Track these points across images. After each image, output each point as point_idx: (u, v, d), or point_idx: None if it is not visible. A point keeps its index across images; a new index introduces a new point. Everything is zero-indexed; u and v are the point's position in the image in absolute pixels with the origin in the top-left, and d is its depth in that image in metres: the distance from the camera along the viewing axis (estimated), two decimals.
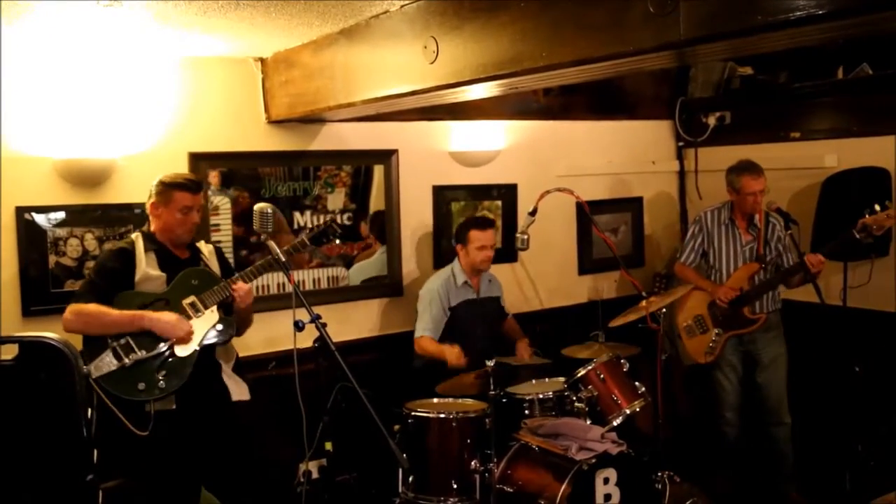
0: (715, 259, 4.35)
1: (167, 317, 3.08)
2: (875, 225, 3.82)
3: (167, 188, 3.21)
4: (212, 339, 3.17)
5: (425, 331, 4.12)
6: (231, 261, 3.80)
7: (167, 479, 3.15)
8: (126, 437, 2.99)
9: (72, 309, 3.06)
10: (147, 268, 3.17)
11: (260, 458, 3.81)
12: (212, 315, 3.17)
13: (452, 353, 3.93)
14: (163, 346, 3.07)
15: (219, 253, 3.50)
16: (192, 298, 3.15)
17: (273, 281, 4.19)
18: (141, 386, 3.04)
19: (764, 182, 4.17)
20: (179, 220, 3.21)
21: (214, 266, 3.36)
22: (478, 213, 4.86)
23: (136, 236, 3.26)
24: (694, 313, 4.33)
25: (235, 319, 3.27)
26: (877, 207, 3.83)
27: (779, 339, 4.32)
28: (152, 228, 3.27)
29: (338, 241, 3.70)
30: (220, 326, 3.18)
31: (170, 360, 3.09)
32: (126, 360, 3.04)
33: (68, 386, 2.26)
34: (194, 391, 3.14)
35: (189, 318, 3.14)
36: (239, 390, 3.34)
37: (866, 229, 3.83)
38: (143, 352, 3.05)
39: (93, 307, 3.04)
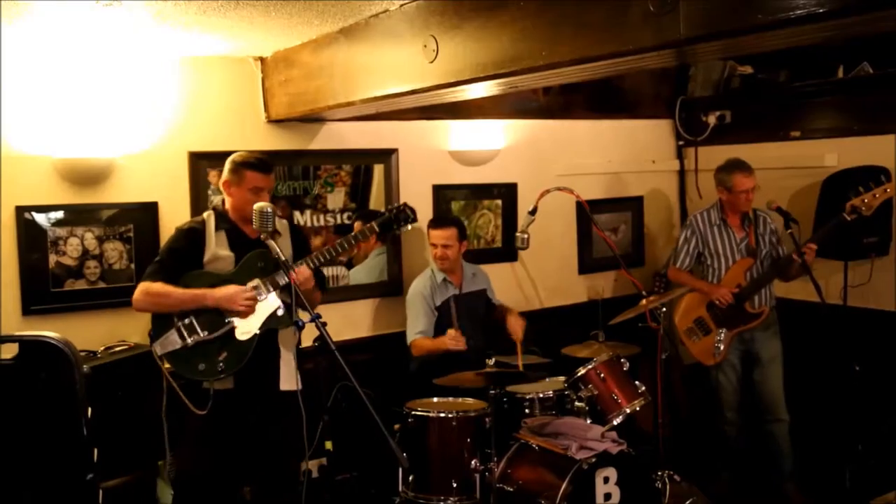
0: (712, 259, 4.35)
1: (225, 291, 3.10)
2: (863, 205, 3.83)
3: (239, 167, 3.23)
4: (273, 323, 3.17)
5: (418, 333, 4.11)
6: None
7: (221, 456, 3.20)
8: (186, 413, 3.09)
9: (141, 288, 3.13)
10: (216, 248, 3.21)
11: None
12: (274, 299, 3.17)
13: (450, 338, 3.91)
14: (225, 328, 3.10)
15: (293, 230, 3.46)
16: (256, 281, 3.16)
17: None
18: (201, 367, 3.09)
19: (755, 179, 4.18)
20: (250, 199, 3.19)
21: (287, 244, 3.34)
22: (477, 213, 4.87)
23: (209, 214, 3.28)
24: (693, 316, 4.33)
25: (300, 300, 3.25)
26: (861, 189, 3.86)
27: (776, 337, 4.33)
28: (226, 206, 3.29)
29: (409, 227, 3.60)
30: (280, 312, 3.17)
31: (230, 342, 3.11)
32: (188, 341, 3.09)
33: (68, 385, 2.26)
34: (252, 374, 3.17)
35: None
36: (289, 379, 3.28)
37: (856, 210, 3.85)
38: (206, 333, 3.09)
39: (159, 286, 3.10)
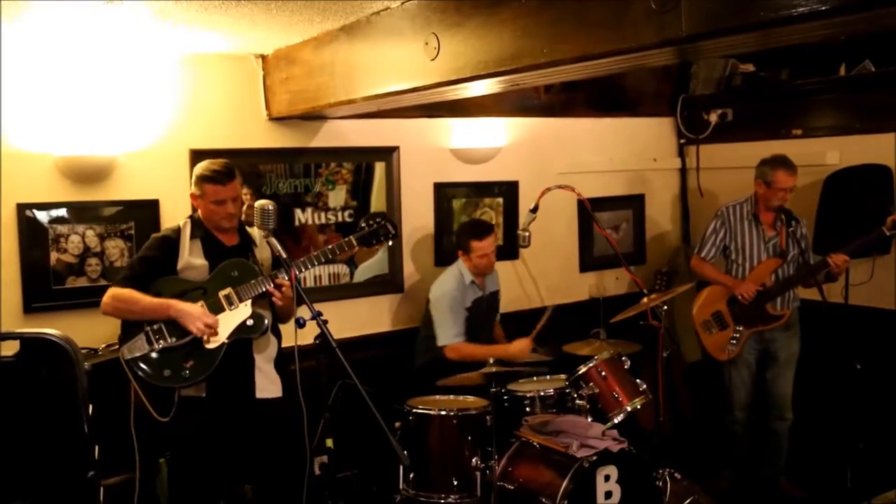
0: (737, 254, 4.30)
1: (191, 308, 3.07)
2: None
3: (199, 180, 3.20)
4: (241, 333, 3.14)
5: (456, 337, 4.05)
6: None
7: (196, 463, 3.18)
8: (156, 421, 3.08)
9: (109, 293, 3.11)
10: (190, 256, 3.18)
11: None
12: (245, 309, 3.14)
13: (521, 348, 3.86)
14: (191, 336, 3.07)
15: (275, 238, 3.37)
16: (228, 290, 3.14)
17: None
18: (167, 373, 3.07)
19: (796, 179, 4.13)
20: (213, 210, 3.19)
21: (266, 252, 3.29)
22: (479, 211, 4.86)
23: (185, 223, 3.26)
24: (712, 309, 4.30)
25: (278, 310, 3.24)
26: None
27: (796, 337, 4.31)
28: (199, 214, 3.28)
29: (390, 243, 3.54)
30: (250, 322, 3.15)
31: (198, 350, 3.09)
32: (156, 346, 3.07)
33: (69, 382, 2.26)
34: (224, 382, 3.15)
35: (223, 309, 3.13)
36: (268, 387, 3.27)
37: None
38: (173, 339, 3.08)
39: (127, 292, 3.08)
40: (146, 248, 3.24)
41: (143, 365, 3.07)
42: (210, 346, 3.09)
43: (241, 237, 3.32)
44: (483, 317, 4.25)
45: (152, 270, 3.15)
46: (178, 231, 3.23)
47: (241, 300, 3.14)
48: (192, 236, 3.22)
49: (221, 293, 3.14)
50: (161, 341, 3.07)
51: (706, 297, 4.34)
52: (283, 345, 3.48)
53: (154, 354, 3.07)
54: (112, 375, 3.34)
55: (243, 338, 3.16)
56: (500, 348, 3.98)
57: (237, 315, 3.14)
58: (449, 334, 4.06)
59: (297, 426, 3.09)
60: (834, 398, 4.32)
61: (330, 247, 3.35)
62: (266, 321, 3.19)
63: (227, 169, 3.21)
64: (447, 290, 4.14)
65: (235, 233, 3.31)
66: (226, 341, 3.11)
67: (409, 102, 3.54)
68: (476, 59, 2.54)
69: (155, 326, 3.08)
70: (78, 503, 2.33)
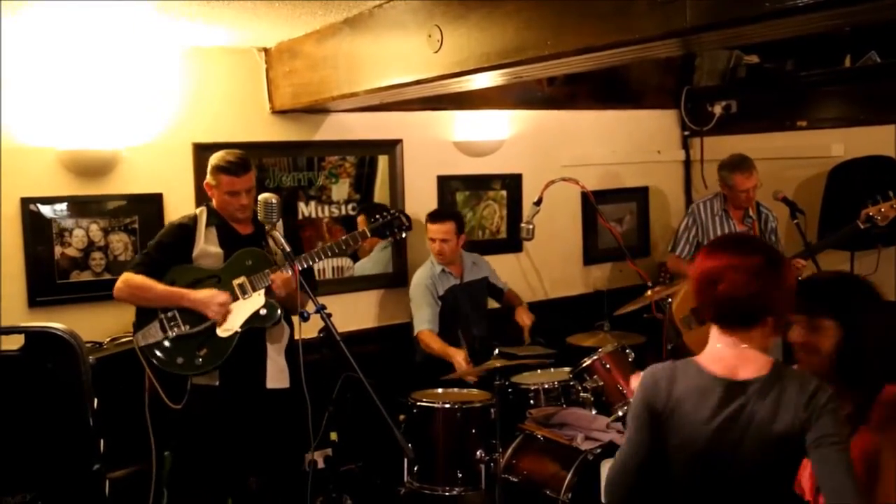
0: None
1: (203, 294, 3.10)
2: (879, 216, 3.81)
3: (214, 170, 3.23)
4: (254, 322, 3.16)
5: (424, 324, 4.09)
6: None
7: (205, 452, 3.20)
8: (166, 412, 3.11)
9: (123, 278, 3.15)
10: (205, 244, 3.21)
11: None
12: (258, 298, 3.16)
13: (459, 360, 3.81)
14: (206, 323, 3.10)
15: (287, 229, 3.39)
16: (242, 279, 3.17)
17: None
18: (180, 360, 3.10)
19: (756, 178, 4.17)
20: (227, 201, 3.23)
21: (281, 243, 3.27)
22: (482, 204, 4.86)
23: (201, 211, 3.29)
24: (690, 305, 4.30)
25: (283, 302, 3.24)
26: (879, 198, 3.83)
27: None
28: (214, 204, 3.31)
29: (404, 235, 3.55)
30: (263, 311, 3.16)
31: (211, 338, 3.11)
32: (169, 333, 3.11)
33: (74, 376, 2.27)
34: (238, 371, 3.17)
35: (236, 298, 3.15)
36: (278, 377, 3.28)
37: (871, 220, 3.82)
38: (187, 327, 3.11)
39: (141, 279, 3.11)
40: (162, 235, 3.27)
41: (156, 352, 3.11)
42: (223, 334, 3.11)
43: (255, 227, 3.33)
44: (464, 305, 4.21)
45: (168, 257, 3.18)
46: (194, 219, 3.26)
47: (254, 289, 3.16)
48: (208, 224, 3.25)
49: (235, 282, 3.16)
50: (175, 329, 3.11)
51: (685, 292, 4.32)
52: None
53: (168, 342, 3.11)
54: (117, 369, 3.36)
55: (256, 327, 3.17)
56: (451, 351, 3.90)
57: (250, 304, 3.16)
58: (417, 322, 4.12)
59: (301, 419, 3.10)
60: None
61: (343, 238, 3.38)
62: (279, 310, 3.21)
63: (242, 160, 3.24)
64: (418, 279, 4.21)
65: (250, 222, 3.33)
66: (238, 330, 3.13)
67: (412, 95, 3.54)
68: (479, 51, 2.53)
69: (169, 314, 3.12)
70: (83, 496, 2.34)
